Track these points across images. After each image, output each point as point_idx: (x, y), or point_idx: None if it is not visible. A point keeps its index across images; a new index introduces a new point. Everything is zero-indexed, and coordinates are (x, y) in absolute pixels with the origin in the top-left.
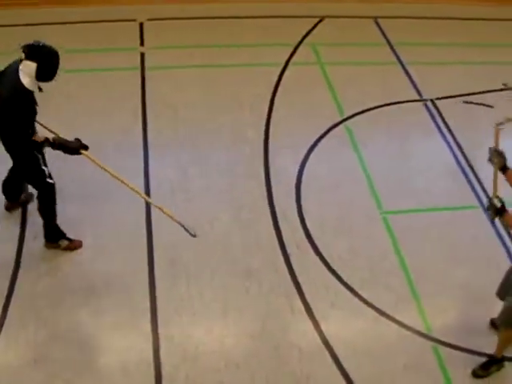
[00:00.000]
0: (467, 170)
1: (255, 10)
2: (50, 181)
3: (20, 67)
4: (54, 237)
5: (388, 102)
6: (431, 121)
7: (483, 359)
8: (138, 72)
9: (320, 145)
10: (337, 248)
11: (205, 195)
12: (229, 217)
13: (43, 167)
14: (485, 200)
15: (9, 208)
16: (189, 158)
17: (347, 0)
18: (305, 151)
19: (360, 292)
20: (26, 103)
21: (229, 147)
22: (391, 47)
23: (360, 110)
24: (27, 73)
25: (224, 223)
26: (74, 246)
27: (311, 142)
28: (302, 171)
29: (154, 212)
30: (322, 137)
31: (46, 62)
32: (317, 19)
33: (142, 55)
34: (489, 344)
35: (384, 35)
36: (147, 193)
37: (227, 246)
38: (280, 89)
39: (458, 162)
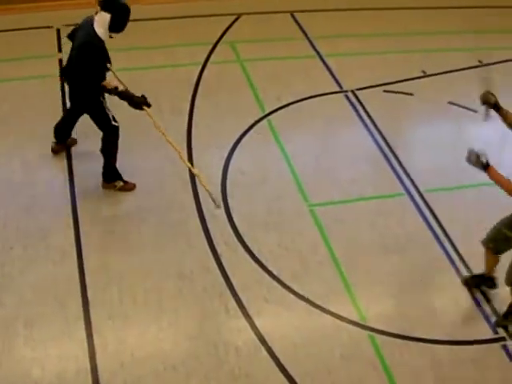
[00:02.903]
0: (391, 157)
1: (171, 11)
2: (115, 123)
3: (95, 18)
4: (112, 177)
5: (309, 95)
6: (353, 111)
7: (418, 344)
8: (58, 78)
9: (244, 141)
10: (266, 243)
11: (131, 198)
12: (157, 218)
13: (107, 111)
14: (411, 189)
15: (55, 150)
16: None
17: None
18: (229, 149)
19: (292, 286)
20: (98, 50)
21: (154, 149)
22: (309, 41)
23: (281, 104)
24: (101, 23)
25: (153, 224)
26: (129, 187)
27: (234, 140)
28: (226, 169)
29: (81, 220)
30: (245, 133)
31: (120, 13)
32: (234, 17)
33: (61, 61)
34: (423, 328)
35: (301, 29)
36: (73, 201)
37: (157, 248)
38: (200, 88)
39: (382, 151)
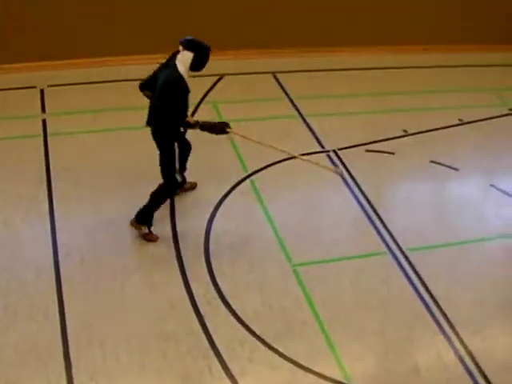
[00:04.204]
0: (374, 217)
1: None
2: (178, 177)
3: (178, 57)
4: (144, 221)
5: (291, 155)
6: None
7: None
8: (41, 138)
9: (226, 202)
10: (250, 303)
11: (114, 259)
12: (140, 279)
13: (176, 162)
14: (394, 248)
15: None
16: (96, 223)
17: (246, 57)
18: (211, 209)
19: (276, 345)
20: (183, 88)
21: (133, 208)
22: (291, 101)
23: (264, 164)
24: (183, 62)
25: (136, 286)
26: (152, 238)
27: (217, 200)
28: (209, 229)
29: (64, 280)
30: (227, 194)
31: (201, 53)
32: (216, 77)
33: (44, 121)
34: None
35: (283, 89)
36: (56, 262)
37: (140, 309)
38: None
39: (364, 210)
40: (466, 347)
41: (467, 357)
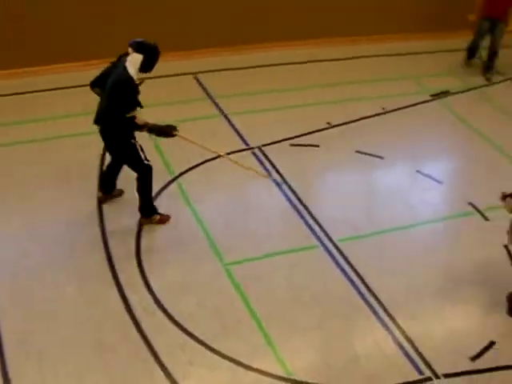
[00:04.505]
0: (302, 211)
1: (67, 80)
2: (148, 163)
3: (128, 58)
4: (150, 212)
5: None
6: (261, 168)
7: None
8: None
9: (155, 205)
10: (185, 306)
11: (47, 271)
12: (74, 290)
13: (140, 152)
14: (325, 240)
15: (102, 200)
16: (26, 236)
17: (165, 59)
18: (138, 215)
19: (215, 346)
20: (132, 89)
21: (64, 220)
22: (213, 100)
23: (190, 166)
24: (133, 64)
25: (70, 297)
26: (166, 219)
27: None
28: (140, 234)
29: None
30: (155, 197)
31: (151, 55)
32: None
33: None
34: (349, 377)
35: (205, 90)
36: None
37: (76, 320)
38: (107, 155)
39: (293, 204)
40: (403, 333)
41: (406, 342)
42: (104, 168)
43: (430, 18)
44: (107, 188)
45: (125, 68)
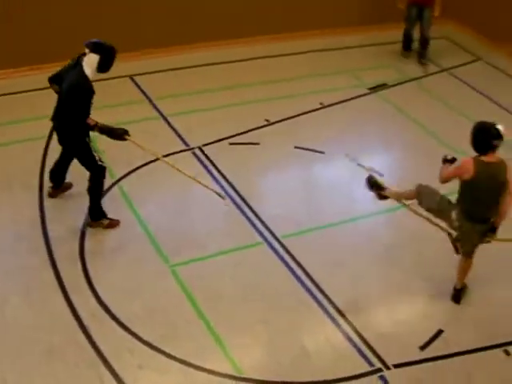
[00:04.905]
0: (245, 208)
1: (22, 84)
2: (102, 164)
3: (84, 59)
4: (98, 215)
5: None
6: (202, 167)
7: None
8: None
9: None
10: (132, 309)
11: None
12: (19, 299)
13: (94, 153)
14: (269, 237)
15: (52, 195)
16: None
17: None
18: (82, 218)
19: (164, 348)
20: (88, 91)
21: (6, 226)
22: (151, 102)
23: (130, 169)
24: (90, 64)
25: (16, 307)
26: (115, 224)
27: (87, 209)
28: (83, 238)
29: None
30: None
31: (107, 55)
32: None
33: None
34: (298, 372)
35: (143, 92)
36: None
37: (23, 329)
38: (48, 162)
39: (235, 203)
40: (352, 326)
41: (354, 335)
42: (54, 163)
43: (364, 11)
44: (57, 182)
45: (81, 68)
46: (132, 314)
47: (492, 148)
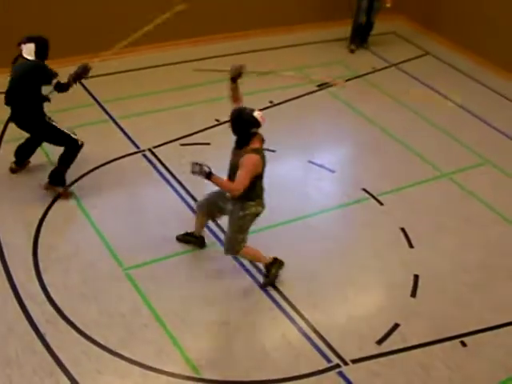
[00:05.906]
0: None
1: None
2: (75, 137)
3: (23, 51)
4: (58, 182)
5: (108, 159)
6: (153, 169)
7: None
8: None
9: (49, 217)
10: (88, 314)
11: None
12: None
13: (62, 129)
14: (221, 235)
15: (14, 170)
16: None
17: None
18: (35, 225)
19: (122, 352)
20: (42, 66)
21: None
22: (100, 105)
23: (81, 173)
24: (29, 52)
25: None
26: (68, 195)
27: (40, 214)
28: (36, 246)
29: None
30: (49, 206)
31: (41, 41)
32: None
33: None
34: (257, 370)
35: (91, 95)
36: None
37: None
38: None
39: (187, 204)
40: (308, 323)
41: (311, 332)
42: (25, 139)
43: (311, 8)
44: (21, 160)
45: (25, 58)
46: (89, 318)
47: (255, 135)
